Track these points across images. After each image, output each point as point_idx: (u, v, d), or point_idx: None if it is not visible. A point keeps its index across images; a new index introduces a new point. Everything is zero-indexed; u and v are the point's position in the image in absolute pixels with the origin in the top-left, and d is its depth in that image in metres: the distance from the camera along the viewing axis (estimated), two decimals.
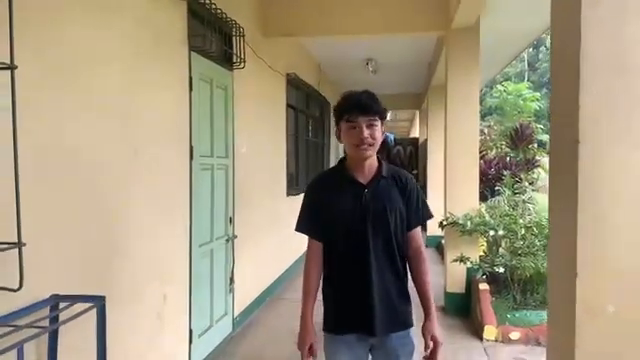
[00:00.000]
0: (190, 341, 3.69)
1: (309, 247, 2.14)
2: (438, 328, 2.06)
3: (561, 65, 1.48)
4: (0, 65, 1.87)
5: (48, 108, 2.23)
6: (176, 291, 3.49)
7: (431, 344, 2.04)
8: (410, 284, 2.15)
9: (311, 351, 2.07)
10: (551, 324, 1.59)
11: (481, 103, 19.89)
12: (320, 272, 2.13)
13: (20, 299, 2.00)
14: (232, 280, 4.51)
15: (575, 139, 1.34)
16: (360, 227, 2.02)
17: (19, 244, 1.93)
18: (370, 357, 2.16)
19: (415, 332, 2.13)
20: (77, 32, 2.42)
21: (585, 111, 1.32)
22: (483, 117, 19.76)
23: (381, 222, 2.03)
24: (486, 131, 15.48)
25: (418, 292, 2.13)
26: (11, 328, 1.88)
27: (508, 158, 9.96)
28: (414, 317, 2.14)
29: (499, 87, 18.98)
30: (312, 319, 2.09)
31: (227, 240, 4.41)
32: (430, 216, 2.18)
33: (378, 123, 2.01)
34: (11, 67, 1.90)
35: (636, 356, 1.28)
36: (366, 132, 1.97)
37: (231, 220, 4.48)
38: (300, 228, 2.17)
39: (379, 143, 2.03)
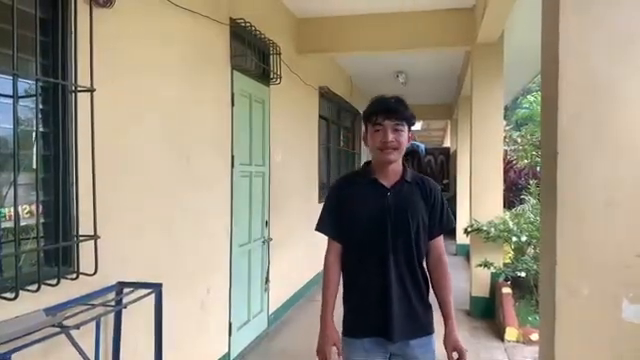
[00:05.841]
0: (230, 333, 4.05)
1: (329, 248, 2.13)
2: (460, 337, 2.03)
3: (546, 87, 1.77)
4: (82, 88, 2.29)
5: (117, 124, 2.62)
6: (218, 285, 3.87)
7: (455, 355, 2.00)
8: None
9: (338, 351, 2.04)
10: (541, 305, 1.86)
11: (514, 112, 19.77)
12: (339, 274, 2.10)
13: (93, 284, 2.39)
14: (267, 279, 4.86)
15: (555, 151, 1.61)
16: (381, 229, 2.00)
17: (95, 236, 2.33)
18: None
19: (435, 338, 2.09)
20: (142, 56, 2.83)
21: (562, 127, 1.60)
22: (519, 126, 19.58)
23: (402, 225, 2.00)
24: (519, 140, 15.43)
25: (439, 301, 2.10)
26: (88, 306, 2.27)
27: (538, 168, 10.02)
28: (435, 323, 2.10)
29: (529, 97, 18.79)
30: (333, 320, 2.07)
31: (263, 242, 4.77)
32: (451, 226, 2.14)
33: (404, 128, 2.00)
34: (91, 90, 2.31)
35: (604, 328, 1.55)
36: (391, 136, 1.96)
37: (267, 224, 4.85)
38: (320, 228, 2.15)
39: (404, 148, 2.02)
